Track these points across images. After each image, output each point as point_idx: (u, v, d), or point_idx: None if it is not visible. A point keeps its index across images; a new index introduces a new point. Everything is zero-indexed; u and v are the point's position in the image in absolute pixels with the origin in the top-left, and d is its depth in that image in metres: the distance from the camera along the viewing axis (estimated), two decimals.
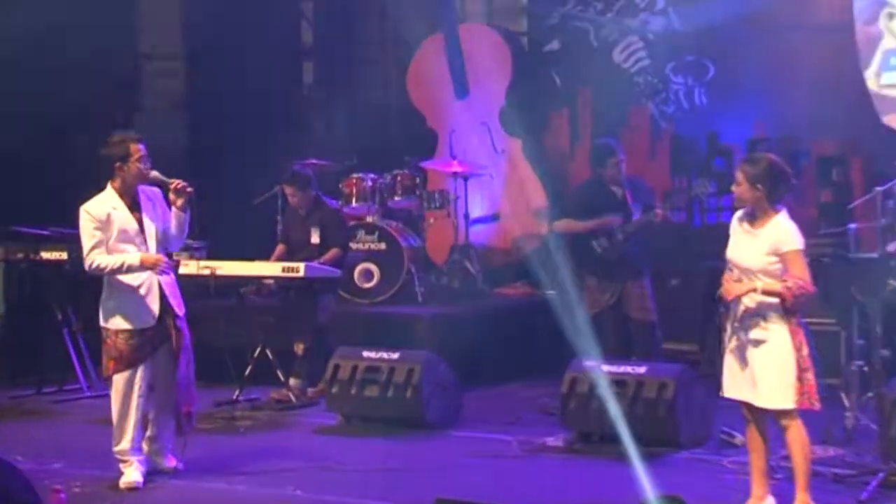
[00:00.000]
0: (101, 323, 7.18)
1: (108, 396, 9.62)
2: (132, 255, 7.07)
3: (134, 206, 7.16)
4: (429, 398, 8.52)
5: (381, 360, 8.69)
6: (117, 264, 7.04)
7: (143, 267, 7.06)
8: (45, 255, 10.10)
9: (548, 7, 12.68)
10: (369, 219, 11.08)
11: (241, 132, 12.48)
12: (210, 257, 10.52)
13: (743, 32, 11.44)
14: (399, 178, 11.35)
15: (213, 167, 12.11)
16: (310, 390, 9.60)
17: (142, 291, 7.09)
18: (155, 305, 7.10)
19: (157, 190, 7.33)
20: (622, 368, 7.85)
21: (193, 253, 10.77)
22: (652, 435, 7.52)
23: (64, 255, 10.00)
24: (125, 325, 7.09)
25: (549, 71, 12.74)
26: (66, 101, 10.79)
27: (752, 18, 11.35)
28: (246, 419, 9.05)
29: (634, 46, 12.23)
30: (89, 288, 10.43)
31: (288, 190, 10.07)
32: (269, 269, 9.56)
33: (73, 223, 9.89)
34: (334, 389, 8.79)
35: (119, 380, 7.13)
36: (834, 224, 10.24)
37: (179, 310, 7.23)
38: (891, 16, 10.79)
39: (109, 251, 7.08)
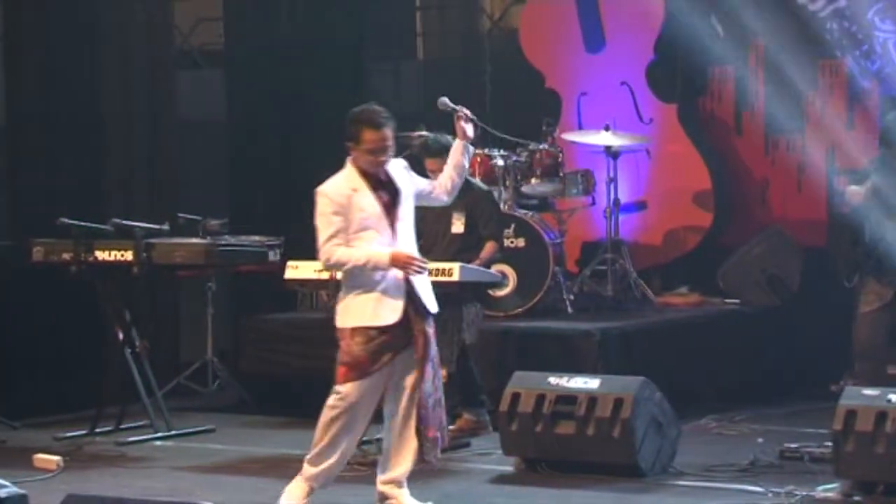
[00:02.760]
0: (337, 323, 7.44)
1: (187, 437, 9.93)
2: (381, 253, 7.27)
3: (378, 186, 7.39)
4: (643, 437, 8.53)
5: (578, 388, 8.69)
6: (361, 261, 7.30)
7: (392, 265, 7.29)
8: (102, 255, 10.02)
9: None
10: (502, 207, 11.08)
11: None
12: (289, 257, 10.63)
13: None
14: (538, 155, 11.37)
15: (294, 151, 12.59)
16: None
17: (385, 284, 7.34)
18: (400, 301, 7.34)
19: (399, 162, 7.57)
20: None
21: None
22: None
23: (128, 256, 9.95)
24: (362, 324, 7.32)
25: (709, 17, 12.79)
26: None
27: None
28: None
29: None
30: (159, 298, 10.71)
31: (433, 165, 9.77)
32: None
33: (139, 215, 10.12)
34: (513, 427, 8.78)
35: (348, 390, 7.37)
36: None
37: (431, 307, 7.47)
38: None
39: (348, 241, 7.31)
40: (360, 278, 7.37)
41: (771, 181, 12.56)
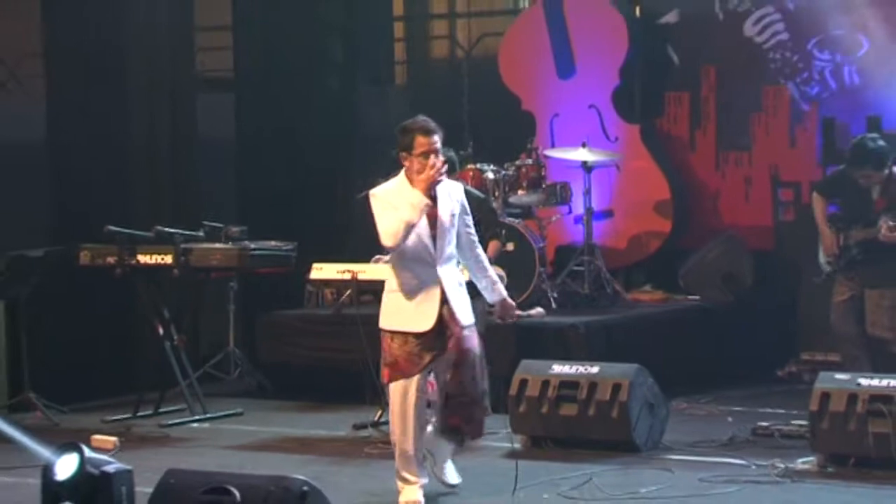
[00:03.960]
0: (380, 324, 7.35)
1: (219, 419, 9.91)
2: (413, 206, 7.13)
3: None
4: (637, 417, 8.60)
5: (579, 374, 8.75)
6: (407, 220, 7.11)
7: (419, 200, 7.14)
8: (144, 258, 10.01)
9: None
10: None
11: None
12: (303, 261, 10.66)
13: None
14: (524, 169, 11.41)
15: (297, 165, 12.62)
16: None
17: (421, 294, 7.19)
18: (434, 308, 7.18)
19: (458, 185, 7.50)
20: (886, 382, 7.97)
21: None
22: None
23: (168, 259, 9.94)
24: (399, 328, 7.22)
25: (665, 47, 12.89)
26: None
27: None
28: None
29: (770, 18, 12.35)
30: (196, 297, 10.69)
31: None
32: None
33: (163, 222, 10.09)
34: (521, 409, 8.84)
35: (395, 389, 7.27)
36: None
37: (465, 319, 7.27)
38: None
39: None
40: (401, 280, 7.27)
41: (721, 192, 12.59)
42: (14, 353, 10.31)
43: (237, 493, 5.93)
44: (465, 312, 7.30)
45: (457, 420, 7.35)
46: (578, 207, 11.94)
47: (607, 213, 12.39)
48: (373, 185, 10.89)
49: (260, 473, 6.52)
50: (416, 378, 7.22)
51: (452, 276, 7.34)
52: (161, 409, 10.23)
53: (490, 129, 12.97)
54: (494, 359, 9.93)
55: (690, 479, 7.83)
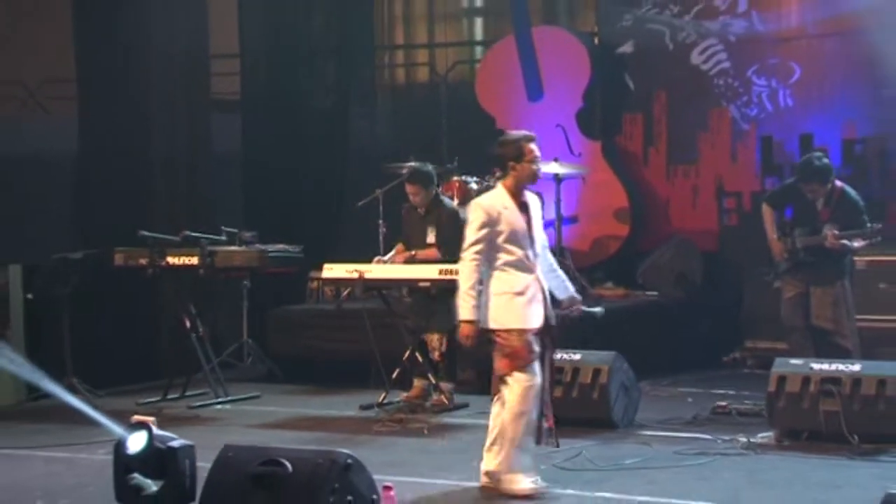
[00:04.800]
0: (490, 325, 6.99)
1: (240, 402, 9.92)
2: (467, 307, 6.99)
3: (522, 208, 7.07)
4: (616, 398, 8.72)
5: (564, 361, 8.80)
6: (464, 293, 6.99)
7: (461, 331, 7.04)
8: (173, 260, 10.03)
9: (620, 10, 12.94)
10: None
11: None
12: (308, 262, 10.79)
13: (830, 33, 11.92)
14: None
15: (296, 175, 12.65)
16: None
17: (528, 294, 6.96)
18: (541, 309, 7.00)
19: (535, 196, 7.29)
20: (834, 366, 8.15)
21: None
22: (870, 431, 7.81)
23: (195, 261, 9.98)
24: (517, 326, 6.94)
25: (622, 73, 13.04)
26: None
27: (839, 19, 11.86)
28: (415, 422, 9.13)
29: (714, 49, 12.54)
30: (218, 294, 10.73)
31: (410, 189, 9.94)
32: (423, 272, 9.55)
33: (193, 227, 10.12)
34: None
35: (518, 379, 6.93)
36: None
37: (552, 321, 7.14)
38: None
39: (496, 249, 6.98)
40: (511, 282, 6.97)
41: (672, 200, 12.76)
42: (57, 344, 10.24)
43: (289, 465, 6.00)
44: (552, 315, 7.14)
45: (550, 421, 7.23)
46: (548, 214, 12.00)
47: (573, 219, 12.50)
48: (366, 195, 11.39)
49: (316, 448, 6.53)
50: (536, 363, 6.97)
51: (543, 279, 7.14)
52: (187, 393, 10.22)
53: (467, 146, 13.00)
54: (463, 353, 10.07)
55: (667, 451, 7.91)
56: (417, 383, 9.86)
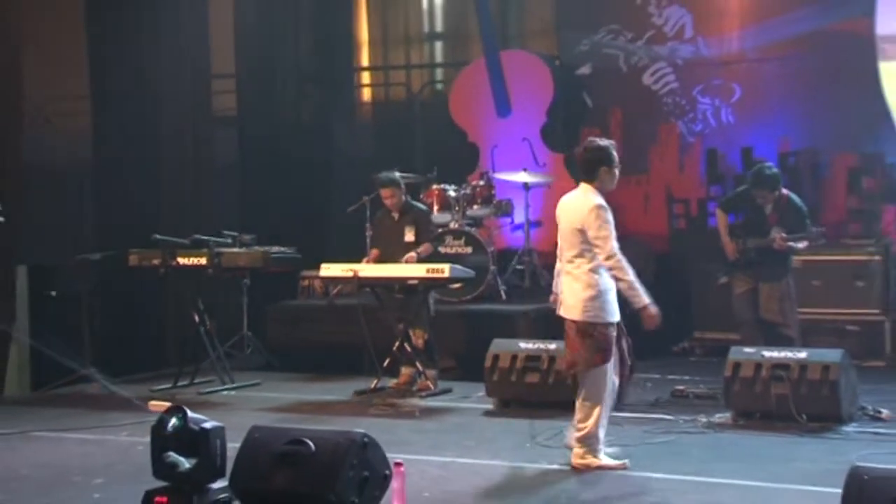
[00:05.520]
0: (587, 319, 6.88)
1: (244, 388, 9.92)
2: (641, 292, 6.88)
3: None
4: None
5: (541, 350, 8.92)
6: (632, 281, 6.85)
7: (645, 309, 6.89)
8: (183, 260, 10.03)
9: (579, 36, 13.04)
10: (454, 225, 11.28)
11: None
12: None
13: (767, 58, 12.09)
14: (478, 189, 11.59)
15: (287, 184, 12.65)
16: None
17: (613, 290, 6.92)
18: (616, 302, 6.95)
19: None
20: (784, 354, 8.29)
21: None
22: (816, 411, 7.98)
23: (203, 261, 9.99)
24: (612, 320, 6.90)
25: (581, 93, 13.15)
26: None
27: (774, 46, 12.03)
28: (406, 406, 9.20)
29: (663, 71, 12.68)
30: (224, 291, 10.74)
31: (386, 193, 10.02)
32: (412, 270, 9.62)
33: (197, 230, 10.12)
34: (494, 377, 8.98)
35: (603, 370, 6.92)
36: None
37: None
38: None
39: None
40: (606, 280, 6.88)
41: (626, 206, 12.63)
42: (77, 336, 10.22)
43: (311, 444, 6.04)
44: None
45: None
46: (518, 218, 12.13)
47: (537, 223, 12.55)
48: (348, 202, 11.44)
49: (333, 429, 6.56)
50: (613, 358, 6.97)
51: None
52: (196, 381, 10.22)
53: (441, 157, 13.06)
54: (449, 340, 10.20)
55: (636, 430, 8.00)
56: (405, 371, 9.93)
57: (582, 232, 6.92)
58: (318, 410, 9.11)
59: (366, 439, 6.04)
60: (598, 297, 6.88)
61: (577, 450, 6.99)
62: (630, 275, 6.85)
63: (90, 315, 10.31)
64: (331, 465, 5.92)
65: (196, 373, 10.25)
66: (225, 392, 10.04)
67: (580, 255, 6.93)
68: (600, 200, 6.95)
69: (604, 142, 7.17)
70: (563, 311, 7.05)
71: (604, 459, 6.99)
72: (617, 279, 6.87)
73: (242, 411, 9.08)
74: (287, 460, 6.01)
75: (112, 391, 9.97)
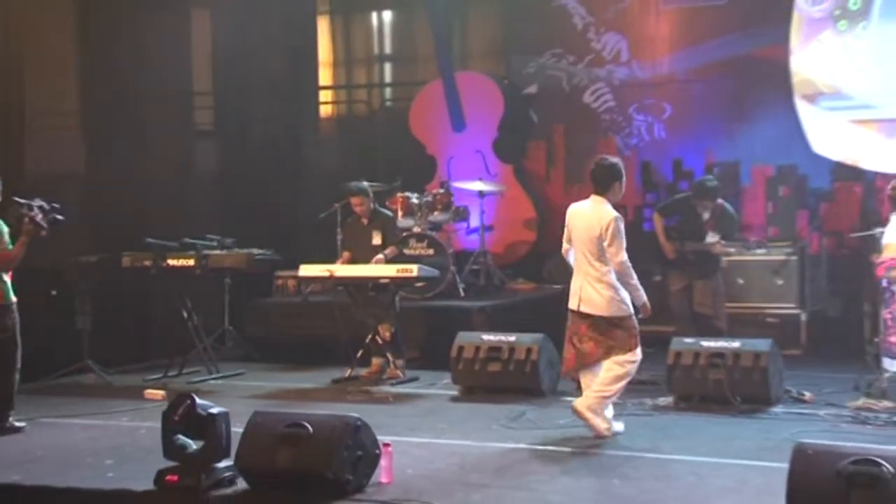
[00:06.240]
0: (617, 314, 7.27)
1: (229, 377, 9.92)
2: (642, 291, 7.34)
3: None
4: (543, 372, 8.91)
5: (502, 341, 9.01)
6: (636, 285, 7.28)
7: (642, 306, 7.35)
8: (173, 262, 10.01)
9: (526, 59, 13.19)
10: (417, 229, 11.36)
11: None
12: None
13: (694, 79, 12.31)
14: (439, 196, 11.67)
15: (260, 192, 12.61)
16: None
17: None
18: None
19: None
20: (719, 343, 8.46)
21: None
22: (748, 394, 8.17)
23: (192, 262, 9.98)
24: (632, 311, 7.31)
25: (528, 110, 13.29)
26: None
27: (701, 68, 12.25)
28: (379, 392, 9.24)
29: (602, 91, 12.85)
30: (210, 290, 10.71)
31: (356, 201, 10.09)
32: (384, 270, 9.68)
33: (182, 234, 10.09)
34: (460, 367, 9.06)
35: (638, 351, 7.34)
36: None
37: None
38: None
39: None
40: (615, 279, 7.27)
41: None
42: (75, 331, 10.16)
43: (310, 427, 6.11)
44: None
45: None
46: (472, 223, 12.22)
47: (491, 228, 12.66)
48: (316, 209, 11.49)
49: (330, 413, 6.62)
50: None
51: None
52: (184, 371, 10.19)
53: (401, 168, 13.10)
54: (414, 333, 10.26)
55: None
56: (375, 361, 9.98)
57: (600, 239, 7.21)
58: (300, 397, 9.12)
59: (359, 422, 6.13)
60: (619, 294, 7.26)
61: (589, 399, 7.28)
62: (634, 279, 7.25)
63: (88, 311, 10.19)
64: (328, 446, 6.01)
65: (185, 364, 10.21)
66: (212, 381, 10.01)
67: (600, 260, 7.25)
68: (615, 213, 7.26)
69: (614, 159, 7.41)
70: (587, 308, 7.34)
71: (609, 422, 7.34)
72: (624, 282, 7.24)
73: (230, 398, 9.03)
74: (287, 441, 6.09)
75: (107, 381, 9.97)
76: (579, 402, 7.32)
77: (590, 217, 7.28)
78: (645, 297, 7.33)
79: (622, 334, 7.27)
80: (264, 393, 9.39)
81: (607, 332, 7.26)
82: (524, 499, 5.90)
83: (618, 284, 7.23)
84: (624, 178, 7.32)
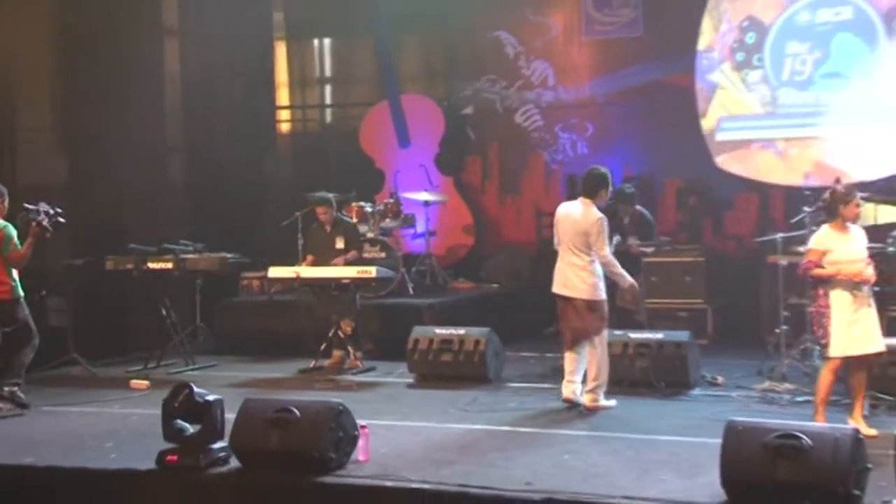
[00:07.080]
0: (595, 297, 7.60)
1: (204, 369, 9.85)
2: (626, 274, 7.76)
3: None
4: (490, 361, 9.04)
5: (452, 335, 9.10)
6: (622, 273, 7.69)
7: (627, 285, 7.80)
8: (153, 265, 9.97)
9: (464, 83, 13.30)
10: (370, 235, 11.42)
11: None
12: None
13: (613, 102, 12.55)
14: (389, 205, 11.75)
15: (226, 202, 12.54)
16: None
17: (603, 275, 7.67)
18: None
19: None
20: (645, 335, 8.66)
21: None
22: (671, 379, 8.40)
23: (170, 265, 9.95)
24: (605, 297, 7.68)
25: (465, 128, 13.41)
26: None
27: (619, 93, 12.50)
28: (343, 381, 9.28)
29: (531, 112, 13.00)
30: (181, 290, 10.64)
31: (321, 209, 10.10)
32: (345, 272, 9.72)
33: (157, 240, 10.06)
34: (415, 357, 9.13)
35: (604, 334, 7.70)
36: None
37: None
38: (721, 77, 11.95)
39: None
40: (600, 269, 7.65)
41: (503, 220, 13.12)
42: (63, 328, 10.05)
43: (297, 411, 6.16)
44: None
45: None
46: (418, 229, 12.30)
47: (433, 233, 12.74)
48: (275, 218, 11.50)
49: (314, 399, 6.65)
50: None
51: None
52: (162, 363, 10.12)
53: (352, 180, 13.08)
54: (370, 328, 10.31)
55: (534, 397, 8.25)
56: (336, 353, 10.00)
57: (587, 234, 7.57)
58: (271, 386, 9.10)
59: (340, 407, 6.20)
60: (599, 282, 7.64)
61: (589, 395, 7.62)
62: (618, 268, 7.69)
63: (75, 310, 10.09)
64: (313, 428, 6.07)
65: (163, 356, 10.13)
66: (189, 372, 9.95)
67: (585, 252, 7.62)
68: (601, 214, 7.63)
69: (603, 168, 7.81)
70: (568, 292, 7.66)
71: (607, 401, 7.69)
72: (610, 272, 7.68)
73: (209, 387, 8.61)
74: (277, 424, 6.14)
75: (93, 372, 9.88)
76: (586, 400, 7.64)
77: (578, 216, 7.64)
78: (630, 279, 7.78)
79: (596, 317, 7.63)
80: (239, 382, 9.34)
81: (584, 314, 7.61)
82: (489, 474, 6.00)
83: (599, 274, 7.60)
84: (610, 187, 7.73)
